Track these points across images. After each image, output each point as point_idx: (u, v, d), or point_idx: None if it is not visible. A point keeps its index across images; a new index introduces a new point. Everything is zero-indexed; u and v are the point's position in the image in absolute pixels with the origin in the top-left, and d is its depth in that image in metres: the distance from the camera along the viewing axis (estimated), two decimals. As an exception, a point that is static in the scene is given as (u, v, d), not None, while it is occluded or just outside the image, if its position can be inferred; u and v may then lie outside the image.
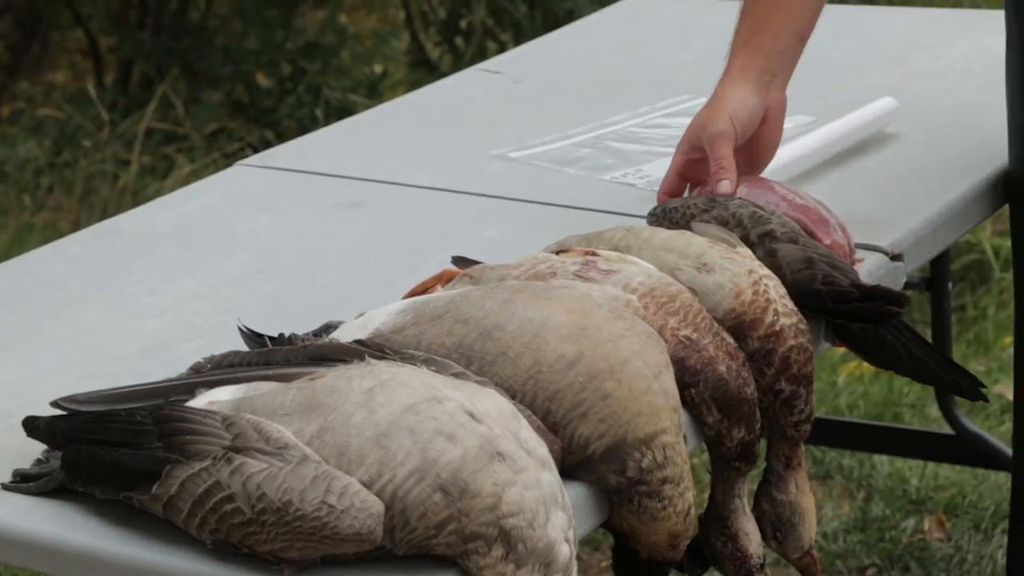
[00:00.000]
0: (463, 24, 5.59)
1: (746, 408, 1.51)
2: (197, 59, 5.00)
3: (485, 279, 1.63)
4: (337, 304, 1.67)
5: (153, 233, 1.99)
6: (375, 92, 5.07)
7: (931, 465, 3.14)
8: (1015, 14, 1.93)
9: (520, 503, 1.28)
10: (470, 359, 1.45)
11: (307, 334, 1.55)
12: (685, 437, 1.44)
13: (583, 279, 1.57)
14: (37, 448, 1.43)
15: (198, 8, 5.30)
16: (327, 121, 4.44)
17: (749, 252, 1.64)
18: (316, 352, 1.43)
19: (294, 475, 1.27)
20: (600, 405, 1.40)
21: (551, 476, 1.32)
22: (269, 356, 1.45)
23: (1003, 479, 3.05)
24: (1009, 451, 2.57)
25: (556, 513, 1.30)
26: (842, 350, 3.41)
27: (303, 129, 4.44)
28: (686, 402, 1.48)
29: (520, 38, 5.37)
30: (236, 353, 1.48)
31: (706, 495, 1.56)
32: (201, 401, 1.40)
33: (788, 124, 2.18)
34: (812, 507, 1.60)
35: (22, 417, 1.44)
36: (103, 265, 1.90)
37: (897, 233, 1.84)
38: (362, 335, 1.51)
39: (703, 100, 2.37)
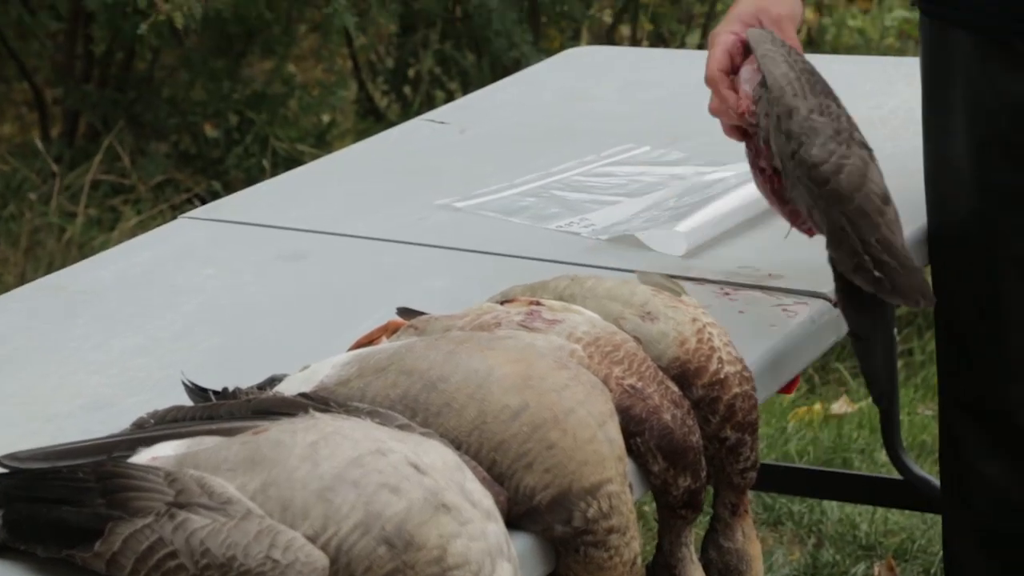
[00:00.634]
0: (411, 73, 5.60)
1: (692, 456, 1.51)
2: (143, 110, 4.99)
3: (430, 330, 1.63)
4: (282, 357, 1.66)
5: (97, 287, 1.98)
6: (323, 142, 5.07)
7: (880, 510, 3.15)
8: (927, 104, 1.96)
9: (466, 555, 1.27)
10: (415, 411, 1.44)
11: (251, 388, 1.55)
12: (631, 486, 1.44)
13: (528, 329, 1.58)
14: (-22, 506, 1.42)
15: (144, 59, 5.29)
16: (275, 171, 4.44)
17: (693, 300, 1.65)
18: (260, 406, 1.42)
19: (238, 530, 1.26)
20: (545, 455, 1.40)
21: (497, 527, 1.32)
22: (213, 411, 1.44)
23: (951, 522, 3.06)
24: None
25: (502, 564, 1.30)
26: (791, 396, 3.43)
27: (251, 179, 4.43)
28: (631, 451, 1.49)
29: (468, 87, 5.38)
30: (180, 408, 1.47)
31: (654, 543, 1.56)
32: (144, 457, 1.39)
33: (730, 173, 2.21)
34: (759, 554, 1.61)
35: (-37, 475, 1.42)
36: (47, 320, 1.89)
37: (840, 280, 1.85)
38: (307, 388, 1.50)
39: (647, 149, 2.40)
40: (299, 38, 5.61)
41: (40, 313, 1.91)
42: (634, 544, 1.42)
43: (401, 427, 1.39)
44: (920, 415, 3.59)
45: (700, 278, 1.90)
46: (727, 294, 1.86)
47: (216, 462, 1.34)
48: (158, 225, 2.48)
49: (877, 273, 1.65)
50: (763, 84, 1.76)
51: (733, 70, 1.82)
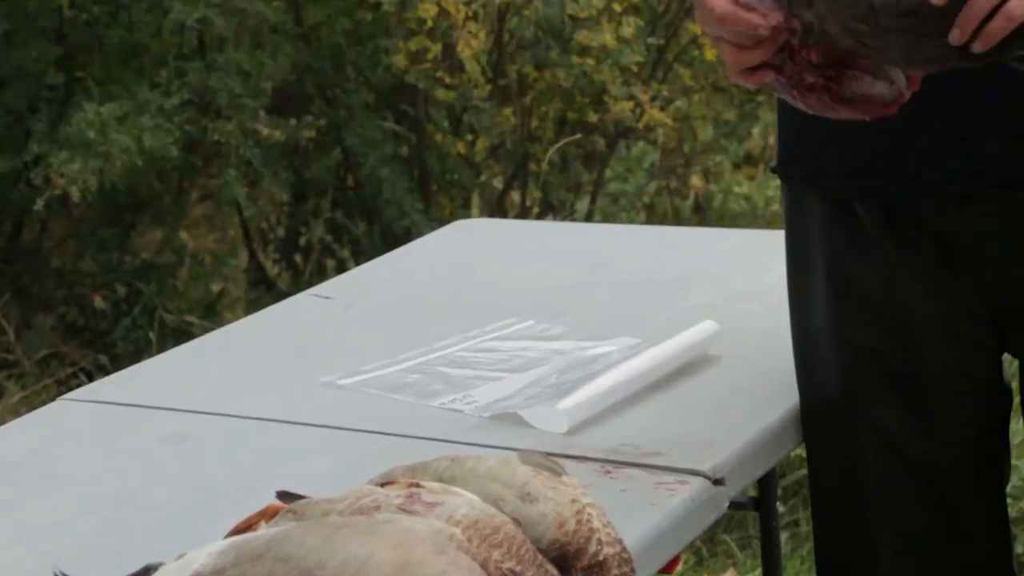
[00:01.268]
0: (302, 242, 5.63)
1: None
2: (30, 282, 4.96)
3: (309, 514, 1.61)
4: (158, 545, 1.64)
5: (-29, 472, 1.95)
6: (212, 312, 5.06)
7: None
8: (791, 272, 1.99)
9: None
10: (292, 600, 1.42)
11: (125, 578, 1.52)
12: (511, 673, 1.42)
13: (407, 512, 1.56)
14: None
15: (32, 230, 5.28)
16: (162, 344, 4.42)
17: (574, 480, 1.65)
18: (132, 598, 1.40)
19: None
20: None
21: None
22: (84, 603, 1.42)
23: None
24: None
25: None
26: (675, 573, 3.42)
27: (138, 352, 4.40)
28: (511, 637, 1.47)
29: (359, 255, 5.41)
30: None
31: None
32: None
33: (612, 347, 2.23)
34: None
35: None
36: (-82, 507, 1.85)
37: (720, 456, 1.87)
38: (181, 578, 1.48)
39: (531, 323, 2.41)
40: (190, 206, 5.63)
41: (-88, 500, 1.87)
42: None
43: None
44: (808, 583, 3.60)
45: (581, 456, 1.90)
46: (608, 472, 1.87)
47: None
48: (43, 401, 2.46)
49: None
50: None
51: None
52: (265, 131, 5.13)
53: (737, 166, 6.47)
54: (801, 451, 3.44)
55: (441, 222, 5.07)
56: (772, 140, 6.25)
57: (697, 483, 1.81)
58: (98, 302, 5.02)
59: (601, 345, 2.26)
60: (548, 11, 5.14)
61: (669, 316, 2.34)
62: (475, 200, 5.75)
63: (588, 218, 5.66)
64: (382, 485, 1.66)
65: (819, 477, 1.99)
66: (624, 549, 1.58)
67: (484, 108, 5.35)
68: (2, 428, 2.15)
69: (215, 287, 5.37)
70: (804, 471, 4.02)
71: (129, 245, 5.19)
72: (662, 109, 5.50)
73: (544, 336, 2.36)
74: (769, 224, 5.77)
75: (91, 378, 3.03)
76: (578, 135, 5.49)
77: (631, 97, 5.33)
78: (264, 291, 5.43)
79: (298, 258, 5.60)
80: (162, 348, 4.26)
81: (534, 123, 5.49)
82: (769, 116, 5.99)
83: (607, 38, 5.13)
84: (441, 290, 2.63)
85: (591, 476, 1.84)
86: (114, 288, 4.96)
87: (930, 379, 1.90)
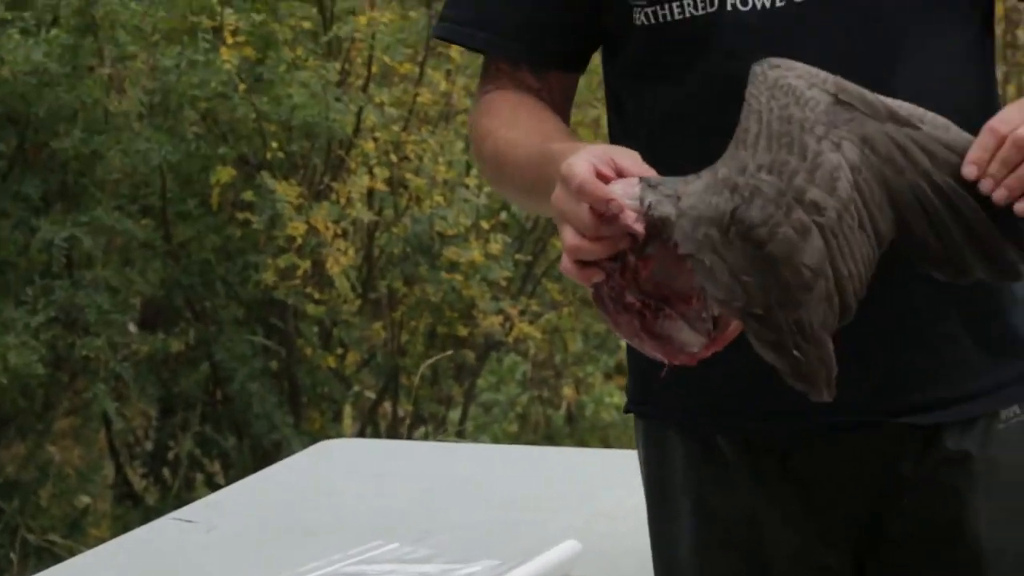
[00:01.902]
0: (170, 456, 5.56)
1: None
2: None
3: None
4: None
5: None
6: (77, 529, 4.96)
7: None
8: (652, 510, 2.00)
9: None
10: None
11: None
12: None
13: None
14: None
15: None
16: (23, 564, 4.33)
17: None
18: None
19: None
20: None
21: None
22: None
23: None
24: None
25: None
26: None
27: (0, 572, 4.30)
28: None
29: (228, 469, 5.37)
30: None
31: None
32: None
33: (477, 568, 2.23)
34: None
35: None
36: None
37: None
38: None
39: (395, 546, 2.41)
40: (56, 420, 5.56)
41: None
42: None
43: None
44: None
45: None
46: None
47: None
48: None
49: (796, 353, 1.60)
50: (649, 184, 1.60)
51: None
52: (134, 345, 5.11)
53: (608, 376, 6.53)
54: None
55: (312, 436, 5.05)
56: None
57: None
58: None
59: (466, 567, 2.26)
60: (417, 228, 5.21)
61: (530, 538, 2.35)
62: (347, 412, 5.74)
63: (460, 429, 5.67)
64: None
65: None
66: None
67: (354, 323, 5.38)
68: None
69: (80, 502, 5.28)
70: None
71: (-8, 461, 5.10)
72: (531, 323, 5.56)
73: (408, 559, 2.36)
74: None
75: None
76: (448, 351, 5.53)
77: (500, 311, 5.39)
78: (130, 507, 5.34)
79: (166, 472, 5.53)
80: (23, 569, 4.18)
81: (404, 337, 5.52)
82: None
83: (475, 254, 5.20)
84: (306, 513, 2.62)
85: None
86: (-26, 509, 4.86)
87: None
